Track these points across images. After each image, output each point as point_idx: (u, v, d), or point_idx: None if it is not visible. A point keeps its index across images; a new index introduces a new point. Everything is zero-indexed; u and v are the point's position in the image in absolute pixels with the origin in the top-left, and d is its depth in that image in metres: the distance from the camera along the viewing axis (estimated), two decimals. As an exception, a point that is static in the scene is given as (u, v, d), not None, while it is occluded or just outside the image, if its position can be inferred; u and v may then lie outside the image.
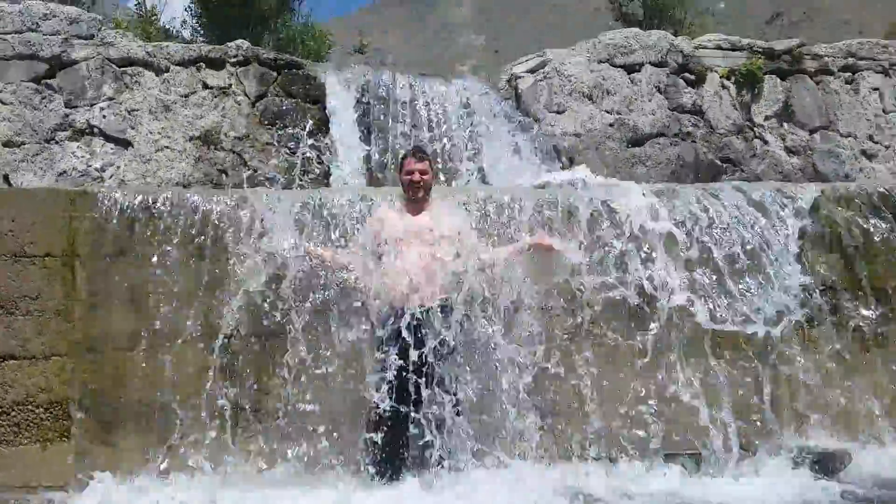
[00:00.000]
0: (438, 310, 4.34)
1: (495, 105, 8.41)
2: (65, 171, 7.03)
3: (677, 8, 14.77)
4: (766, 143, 9.02)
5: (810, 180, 8.13)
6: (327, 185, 7.34)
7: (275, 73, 7.98)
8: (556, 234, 4.86)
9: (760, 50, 9.41)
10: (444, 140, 7.78)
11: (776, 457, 4.67)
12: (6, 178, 6.91)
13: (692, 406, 4.72)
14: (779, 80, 9.27)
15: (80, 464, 4.38)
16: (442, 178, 7.32)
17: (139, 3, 11.91)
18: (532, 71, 8.89)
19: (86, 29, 7.52)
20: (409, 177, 4.61)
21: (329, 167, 7.55)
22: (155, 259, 4.62)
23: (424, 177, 4.62)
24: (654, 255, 4.96)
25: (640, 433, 4.72)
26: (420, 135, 7.79)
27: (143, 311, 4.58)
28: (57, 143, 7.12)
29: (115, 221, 4.65)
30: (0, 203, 4.62)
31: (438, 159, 7.47)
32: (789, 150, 9.06)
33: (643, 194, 5.18)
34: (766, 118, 9.11)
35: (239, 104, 7.72)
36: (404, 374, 4.20)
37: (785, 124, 9.15)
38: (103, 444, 4.44)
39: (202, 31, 12.16)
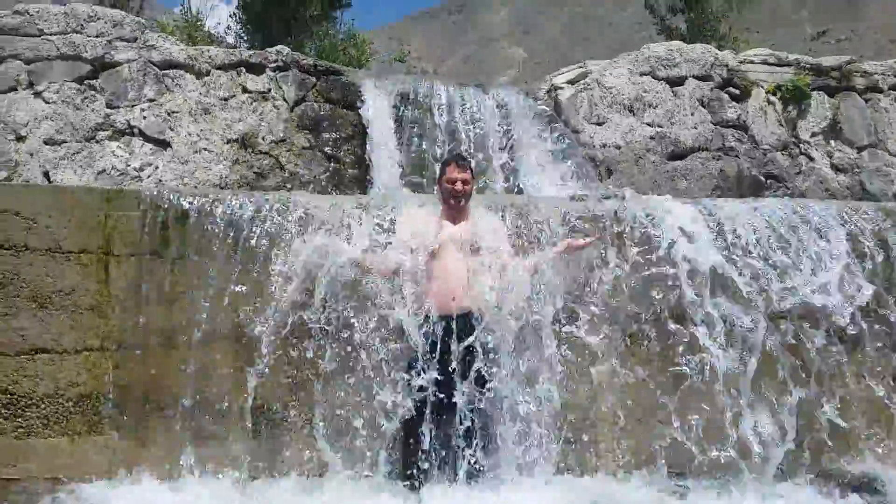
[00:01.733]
0: (476, 318, 4.29)
1: (534, 115, 8.32)
2: (104, 170, 7.10)
3: (722, 23, 14.62)
4: (811, 159, 8.81)
5: (857, 199, 7.92)
6: (363, 192, 7.31)
7: (314, 79, 7.99)
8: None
9: (808, 66, 9.22)
10: (482, 150, 7.70)
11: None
12: (46, 175, 7.00)
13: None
14: (826, 96, 9.07)
15: (109, 458, 4.40)
16: (477, 186, 7.23)
17: (184, 9, 12.08)
18: (572, 82, 8.80)
19: (129, 32, 7.61)
20: (451, 185, 4.55)
21: (366, 174, 7.53)
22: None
23: (466, 186, 4.56)
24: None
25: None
26: (457, 145, 7.73)
27: (177, 310, 4.58)
28: (97, 142, 7.20)
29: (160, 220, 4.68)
30: (38, 199, 4.64)
31: (475, 168, 7.38)
32: (836, 168, 8.84)
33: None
34: (813, 135, 8.90)
35: (277, 108, 7.74)
36: (441, 381, 4.16)
37: (832, 141, 8.93)
38: (134, 439, 4.44)
39: (245, 38, 12.29)
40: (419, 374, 4.21)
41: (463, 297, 4.28)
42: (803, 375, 4.81)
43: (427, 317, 4.27)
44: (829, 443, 4.76)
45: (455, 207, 4.55)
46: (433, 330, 4.24)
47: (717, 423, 4.60)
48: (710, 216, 5.04)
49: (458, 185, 4.52)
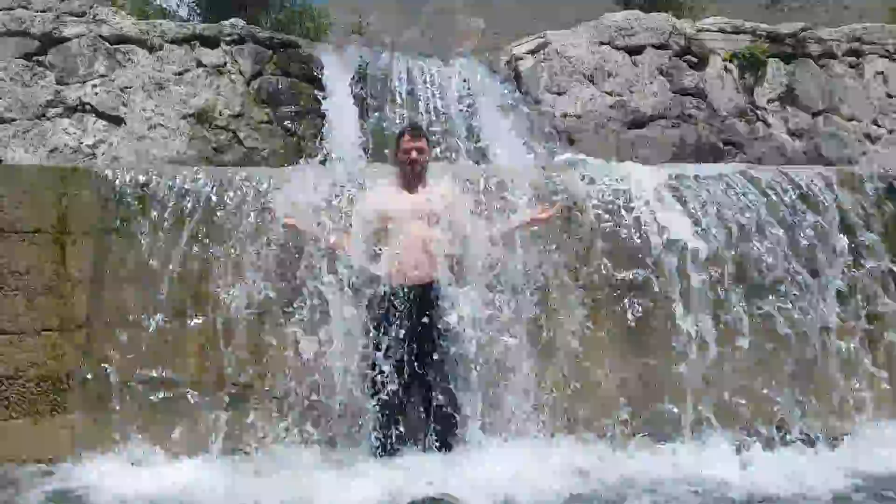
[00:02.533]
0: (436, 289, 4.27)
1: (495, 86, 8.29)
2: (56, 148, 6.91)
3: (678, -9, 14.64)
4: (768, 125, 8.92)
5: (813, 163, 8.04)
6: (322, 164, 7.23)
7: (270, 52, 7.84)
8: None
9: (764, 33, 9.29)
10: (443, 120, 7.66)
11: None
12: (-4, 154, 6.81)
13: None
14: (782, 63, 9.15)
15: (72, 439, 4.35)
16: (439, 157, 7.21)
17: (134, -18, 11.75)
18: (532, 52, 8.77)
19: (77, 6, 7.37)
20: (406, 155, 4.52)
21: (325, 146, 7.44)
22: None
23: (421, 156, 4.53)
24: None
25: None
26: (418, 115, 7.68)
27: (136, 288, 4.52)
28: (48, 119, 7.00)
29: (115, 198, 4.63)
30: (-11, 179, 4.53)
31: (438, 140, 7.35)
32: (792, 134, 8.97)
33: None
34: (769, 101, 9.01)
35: (234, 83, 7.59)
36: (404, 350, 4.16)
37: (788, 108, 9.04)
38: (95, 421, 4.39)
39: (199, 12, 12.03)
40: (378, 348, 4.21)
41: (422, 267, 4.27)
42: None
43: (391, 285, 4.26)
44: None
45: (412, 176, 4.53)
46: (393, 301, 4.23)
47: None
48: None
49: (414, 154, 4.50)
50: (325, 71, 7.81)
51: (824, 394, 4.93)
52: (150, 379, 4.44)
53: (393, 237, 4.33)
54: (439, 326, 4.23)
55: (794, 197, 5.21)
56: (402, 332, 4.19)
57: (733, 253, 4.96)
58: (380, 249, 4.33)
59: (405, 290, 4.23)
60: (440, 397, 4.20)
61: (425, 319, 4.23)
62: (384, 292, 4.25)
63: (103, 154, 7.03)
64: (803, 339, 4.92)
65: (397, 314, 4.20)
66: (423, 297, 4.25)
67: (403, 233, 4.32)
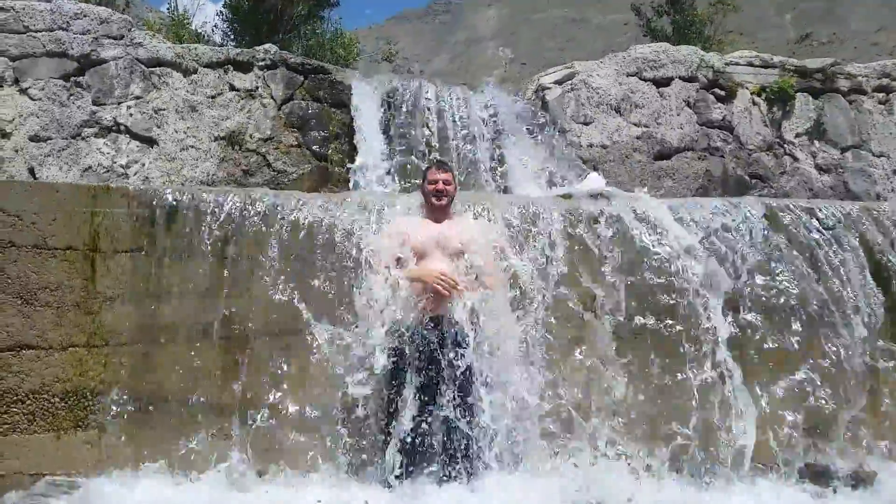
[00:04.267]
0: (454, 321, 4.27)
1: (522, 115, 8.34)
2: (90, 167, 7.06)
3: (707, 25, 14.71)
4: (796, 160, 8.88)
5: (841, 199, 7.98)
6: (349, 189, 7.31)
7: (302, 78, 8.00)
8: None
9: (792, 68, 9.29)
10: (469, 148, 7.72)
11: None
12: (32, 171, 6.95)
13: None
14: (811, 98, 9.13)
15: (95, 455, 4.38)
16: (463, 185, 7.25)
17: (171, 7, 12.02)
18: (560, 82, 8.83)
19: (116, 29, 7.56)
20: (433, 186, 4.58)
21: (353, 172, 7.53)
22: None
23: (448, 186, 4.59)
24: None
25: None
26: (445, 143, 7.75)
27: (160, 307, 4.58)
28: (83, 139, 7.15)
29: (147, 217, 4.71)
30: (24, 195, 4.62)
31: (462, 167, 7.41)
32: (820, 168, 8.91)
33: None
34: (797, 135, 8.98)
35: (265, 107, 7.73)
36: (426, 381, 4.17)
37: (816, 142, 9.00)
38: (121, 435, 4.42)
39: (232, 37, 12.25)
40: (402, 375, 4.20)
41: (439, 299, 4.26)
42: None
43: (415, 316, 4.26)
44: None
45: (438, 208, 4.58)
46: (415, 331, 4.23)
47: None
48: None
49: (440, 185, 4.57)
50: (355, 97, 7.92)
51: None
52: (175, 397, 4.46)
53: (415, 266, 4.36)
54: (454, 359, 4.20)
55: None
56: (418, 362, 4.18)
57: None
58: (401, 278, 4.34)
59: (423, 320, 4.24)
60: (455, 430, 4.16)
61: (441, 351, 4.21)
62: (402, 324, 4.25)
63: (136, 174, 7.16)
64: None
65: (414, 345, 4.21)
66: (440, 329, 4.24)
67: (426, 263, 4.35)
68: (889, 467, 4.72)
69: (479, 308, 4.31)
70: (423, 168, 4.91)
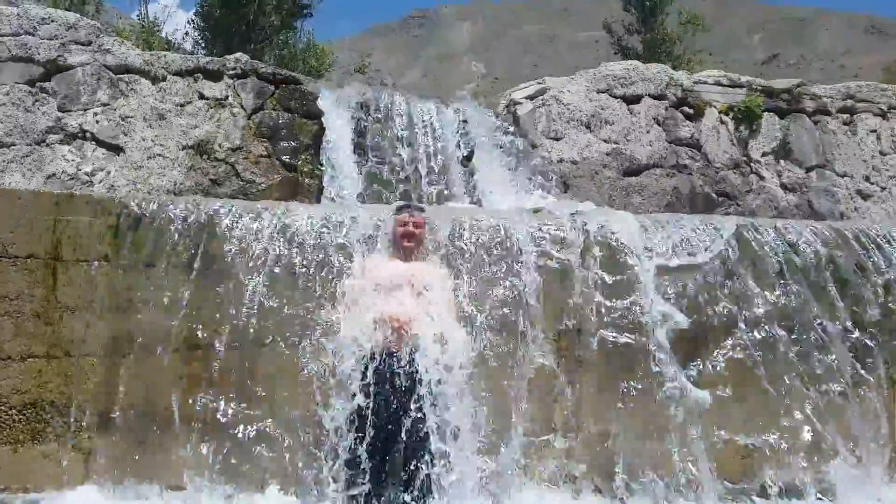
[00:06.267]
0: (417, 356, 4.22)
1: (492, 129, 8.38)
2: (54, 174, 6.93)
3: (677, 44, 14.93)
4: (762, 178, 9.02)
5: (805, 217, 8.11)
6: (318, 201, 7.27)
7: (272, 88, 7.93)
8: None
9: (759, 88, 9.45)
10: (440, 161, 7.73)
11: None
12: (-6, 178, 6.82)
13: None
14: (777, 117, 9.30)
15: (53, 468, 4.27)
16: (434, 200, 7.28)
17: (141, 15, 11.92)
18: (531, 97, 8.89)
19: (84, 35, 7.46)
20: (402, 228, 4.61)
21: (322, 183, 7.50)
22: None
23: (417, 229, 4.63)
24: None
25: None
26: (415, 154, 7.75)
27: (125, 318, 4.49)
28: (48, 145, 7.03)
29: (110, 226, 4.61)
30: (-16, 202, 4.52)
31: (433, 180, 7.42)
32: (785, 187, 9.06)
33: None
34: (763, 154, 9.12)
35: (235, 116, 7.65)
36: (390, 414, 4.14)
37: (782, 161, 9.16)
38: (79, 449, 4.32)
39: (204, 45, 12.18)
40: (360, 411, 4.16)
41: (412, 332, 4.25)
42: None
43: (381, 350, 4.24)
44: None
45: (407, 249, 4.59)
46: (378, 364, 4.20)
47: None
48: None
49: (410, 227, 4.59)
50: (325, 108, 7.89)
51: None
52: (135, 410, 4.37)
53: (380, 302, 4.35)
54: (419, 392, 4.17)
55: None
56: (381, 395, 4.15)
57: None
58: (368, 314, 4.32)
59: (386, 354, 4.22)
60: (417, 462, 4.12)
61: (405, 384, 4.17)
62: (369, 356, 4.22)
63: (100, 182, 7.04)
64: None
65: (378, 377, 4.18)
66: (405, 363, 4.22)
67: (391, 298, 4.35)
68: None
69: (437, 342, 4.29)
70: (396, 205, 4.89)
